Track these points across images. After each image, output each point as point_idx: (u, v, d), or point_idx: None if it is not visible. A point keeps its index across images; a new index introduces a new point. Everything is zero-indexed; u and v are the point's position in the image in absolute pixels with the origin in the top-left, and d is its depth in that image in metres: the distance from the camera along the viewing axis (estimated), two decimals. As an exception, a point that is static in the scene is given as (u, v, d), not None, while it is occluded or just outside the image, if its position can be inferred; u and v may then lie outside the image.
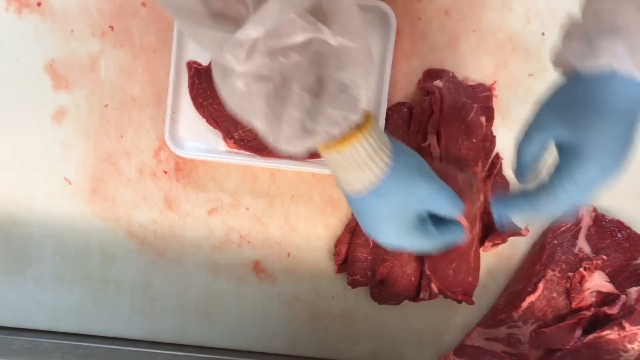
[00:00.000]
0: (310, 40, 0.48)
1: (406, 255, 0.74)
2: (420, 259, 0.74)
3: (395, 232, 0.58)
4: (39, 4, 0.78)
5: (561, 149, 0.53)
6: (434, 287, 0.73)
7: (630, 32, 0.49)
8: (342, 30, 0.49)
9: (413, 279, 0.74)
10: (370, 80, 0.54)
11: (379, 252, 0.74)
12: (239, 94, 0.50)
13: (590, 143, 0.51)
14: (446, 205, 0.58)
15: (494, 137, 0.78)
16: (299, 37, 0.47)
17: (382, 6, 0.74)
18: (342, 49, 0.49)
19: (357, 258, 0.76)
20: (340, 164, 0.54)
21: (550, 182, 0.53)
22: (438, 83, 0.74)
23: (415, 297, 0.76)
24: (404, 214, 0.57)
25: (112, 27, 0.78)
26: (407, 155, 0.57)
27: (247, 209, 0.78)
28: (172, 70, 0.75)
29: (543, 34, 0.79)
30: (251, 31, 0.46)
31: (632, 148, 0.51)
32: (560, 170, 0.52)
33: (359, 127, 0.53)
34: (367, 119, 0.54)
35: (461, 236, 0.60)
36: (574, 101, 0.52)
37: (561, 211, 0.53)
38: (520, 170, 0.57)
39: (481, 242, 0.77)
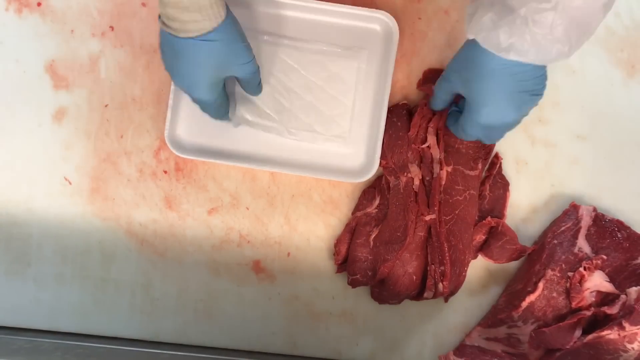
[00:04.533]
0: None
1: (408, 255, 0.74)
2: (424, 258, 0.74)
3: (208, 83, 0.66)
4: (39, 4, 0.78)
5: (465, 97, 0.67)
6: (440, 287, 0.73)
7: (497, 10, 0.59)
8: None
9: (415, 277, 0.74)
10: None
11: (380, 252, 0.74)
12: None
13: (475, 95, 0.64)
14: (253, 79, 0.70)
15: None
16: None
17: (384, 16, 0.75)
18: None
19: (358, 258, 0.76)
20: (183, 3, 0.59)
21: (460, 120, 0.70)
22: None
23: (417, 296, 0.76)
24: (222, 68, 0.65)
25: (112, 27, 0.78)
26: (236, 22, 0.65)
27: (247, 208, 0.78)
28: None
29: (543, 34, 0.79)
30: None
31: (523, 98, 0.63)
32: (464, 113, 0.68)
33: None
34: None
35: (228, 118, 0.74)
36: (465, 63, 0.64)
37: (474, 138, 0.70)
38: (435, 106, 0.74)
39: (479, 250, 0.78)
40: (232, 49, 0.65)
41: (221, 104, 0.71)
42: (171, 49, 0.63)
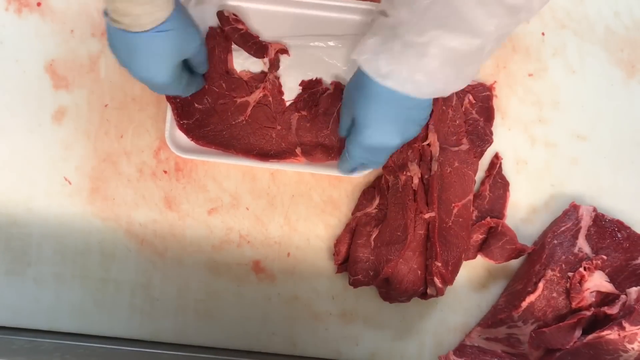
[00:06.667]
0: None
1: (410, 253, 0.74)
2: (425, 253, 0.74)
3: (168, 69, 0.64)
4: (39, 4, 0.78)
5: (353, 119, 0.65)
6: (437, 281, 0.73)
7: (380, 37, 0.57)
8: None
9: (420, 272, 0.74)
10: None
11: (382, 253, 0.74)
12: None
13: (359, 117, 0.63)
14: (203, 57, 0.71)
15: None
16: None
17: (375, 7, 0.75)
18: None
19: (359, 258, 0.75)
20: None
21: (346, 144, 0.68)
22: None
23: (424, 294, 0.75)
24: (179, 54, 0.65)
25: (112, 27, 0.78)
26: (184, 6, 0.65)
27: (247, 208, 0.78)
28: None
29: (543, 34, 0.79)
30: None
31: (406, 125, 0.63)
32: (349, 135, 0.66)
33: None
34: None
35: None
36: (354, 85, 0.63)
37: (354, 166, 0.70)
38: (340, 132, 0.69)
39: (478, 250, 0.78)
40: (187, 34, 0.64)
41: (188, 81, 0.70)
42: (125, 45, 0.61)
